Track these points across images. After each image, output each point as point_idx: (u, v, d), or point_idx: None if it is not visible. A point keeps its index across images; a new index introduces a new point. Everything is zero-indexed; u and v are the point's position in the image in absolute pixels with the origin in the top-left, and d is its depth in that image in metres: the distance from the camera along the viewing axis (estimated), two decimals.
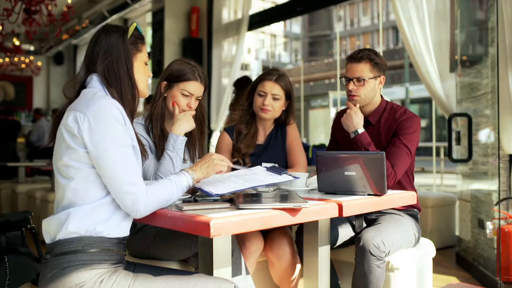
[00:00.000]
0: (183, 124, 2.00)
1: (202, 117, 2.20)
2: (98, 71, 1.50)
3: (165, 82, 2.09)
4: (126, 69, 1.51)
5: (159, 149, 2.03)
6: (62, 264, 1.37)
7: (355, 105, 2.27)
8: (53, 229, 1.41)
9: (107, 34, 1.52)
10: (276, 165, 2.25)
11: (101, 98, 1.42)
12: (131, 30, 1.55)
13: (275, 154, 2.46)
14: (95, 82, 1.50)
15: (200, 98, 2.10)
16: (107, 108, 1.39)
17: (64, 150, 1.41)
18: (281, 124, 2.51)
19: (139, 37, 1.58)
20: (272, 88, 2.37)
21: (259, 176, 1.77)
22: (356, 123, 2.22)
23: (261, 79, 2.42)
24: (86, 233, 1.39)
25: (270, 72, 2.42)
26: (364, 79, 2.23)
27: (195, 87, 2.05)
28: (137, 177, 1.41)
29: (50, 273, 1.37)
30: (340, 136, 2.42)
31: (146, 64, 1.61)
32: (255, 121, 2.48)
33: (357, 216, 2.26)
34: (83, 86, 1.52)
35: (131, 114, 1.52)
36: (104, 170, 1.38)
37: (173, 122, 2.02)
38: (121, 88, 1.50)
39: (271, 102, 2.37)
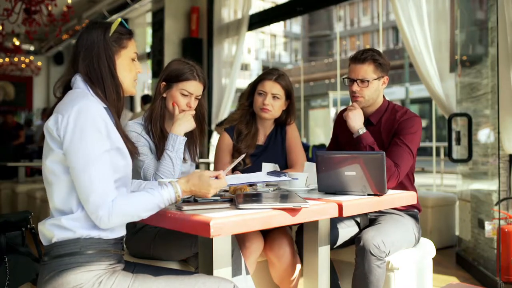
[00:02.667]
0: (183, 124, 2.00)
1: (202, 116, 2.20)
2: (80, 70, 1.47)
3: (164, 83, 2.08)
4: (107, 67, 1.48)
5: (160, 150, 2.03)
6: (59, 266, 1.36)
7: (354, 106, 2.27)
8: (48, 231, 1.40)
9: (89, 31, 1.49)
10: (277, 165, 2.25)
11: (81, 99, 1.39)
12: (114, 26, 1.50)
13: (275, 154, 2.46)
14: (79, 82, 1.47)
15: (199, 97, 2.10)
16: (86, 110, 1.36)
17: (47, 152, 1.40)
18: (281, 124, 2.51)
19: (123, 33, 1.53)
20: (272, 88, 2.36)
21: (259, 177, 1.79)
22: (358, 123, 2.22)
23: (261, 78, 2.42)
24: (82, 236, 1.38)
25: (270, 72, 2.42)
26: (368, 80, 2.23)
27: (194, 87, 2.05)
28: (103, 186, 1.34)
29: (48, 275, 1.37)
30: (343, 135, 2.42)
31: (133, 60, 1.56)
32: (255, 121, 2.48)
33: (361, 214, 2.26)
34: (68, 86, 1.50)
35: (117, 113, 1.49)
36: (72, 174, 1.35)
37: (173, 122, 2.02)
38: (104, 87, 1.47)
39: (271, 102, 2.37)
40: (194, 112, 2.07)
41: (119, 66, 1.51)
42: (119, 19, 1.54)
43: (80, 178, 1.33)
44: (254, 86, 2.44)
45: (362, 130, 2.20)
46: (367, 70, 2.22)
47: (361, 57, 2.24)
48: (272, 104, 2.37)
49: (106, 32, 1.49)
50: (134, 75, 1.57)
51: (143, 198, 1.39)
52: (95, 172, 1.33)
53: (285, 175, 1.82)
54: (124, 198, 1.36)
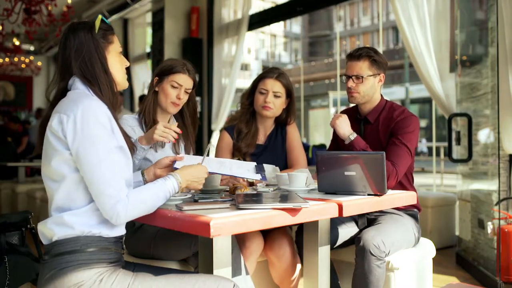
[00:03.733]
0: (150, 131, 1.89)
1: (193, 110, 2.25)
2: (75, 72, 1.47)
3: (156, 78, 2.16)
4: (100, 65, 1.49)
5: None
6: (60, 264, 1.37)
7: (345, 108, 2.29)
8: (49, 230, 1.40)
9: (75, 33, 1.49)
10: (277, 168, 2.26)
11: (85, 99, 1.40)
12: (97, 24, 1.51)
13: (275, 154, 2.47)
14: (77, 84, 1.48)
15: (189, 91, 2.15)
16: (91, 109, 1.37)
17: (51, 154, 1.40)
18: (281, 124, 2.52)
19: (107, 29, 1.54)
20: (273, 86, 2.39)
21: (239, 169, 1.86)
22: (347, 130, 2.23)
23: (262, 77, 2.44)
24: (83, 233, 1.38)
25: (271, 70, 2.45)
26: (362, 76, 2.24)
27: (183, 79, 2.11)
28: (117, 180, 1.37)
29: (49, 273, 1.37)
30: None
31: (120, 53, 1.58)
32: (256, 121, 2.49)
33: (360, 214, 2.26)
34: (65, 89, 1.50)
35: (114, 108, 1.50)
36: (84, 172, 1.36)
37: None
38: (99, 84, 1.48)
39: (273, 100, 2.39)
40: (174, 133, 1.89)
41: (110, 61, 1.53)
42: (100, 16, 1.55)
43: (94, 175, 1.35)
44: (254, 85, 2.46)
45: (352, 135, 2.22)
46: (362, 67, 2.25)
47: (356, 54, 2.27)
48: (274, 102, 2.39)
49: (92, 30, 1.50)
50: (124, 69, 1.59)
51: (152, 191, 1.44)
52: (108, 168, 1.36)
53: (263, 175, 1.86)
54: (136, 192, 1.41)
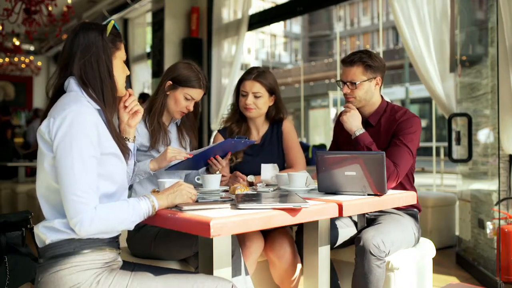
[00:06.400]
0: (161, 158, 2.01)
1: (197, 111, 2.32)
2: (75, 71, 1.46)
3: (170, 82, 2.16)
4: (106, 68, 1.48)
5: (153, 140, 2.12)
6: (54, 267, 1.36)
7: (349, 107, 2.28)
8: (43, 234, 1.40)
9: (86, 31, 1.48)
10: (276, 165, 2.26)
11: (74, 104, 1.38)
12: (109, 28, 1.51)
13: (271, 154, 2.47)
14: (72, 85, 1.46)
15: (197, 100, 2.23)
16: (77, 115, 1.35)
17: (40, 156, 1.40)
18: (276, 123, 2.52)
19: (117, 35, 1.54)
20: (252, 87, 2.40)
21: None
22: (355, 125, 2.23)
23: (241, 79, 2.47)
24: (76, 236, 1.37)
25: (249, 71, 2.46)
26: (356, 83, 2.24)
27: (197, 94, 2.18)
28: (89, 189, 1.33)
29: (44, 277, 1.37)
30: (342, 137, 2.42)
31: (124, 61, 1.57)
32: (246, 121, 2.51)
33: (359, 214, 2.26)
34: (62, 89, 1.48)
35: (111, 113, 1.49)
36: (58, 177, 1.34)
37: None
38: (103, 87, 1.46)
39: (253, 100, 2.40)
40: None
41: (115, 66, 1.52)
42: (113, 21, 1.54)
43: (65, 181, 1.32)
44: (237, 88, 2.48)
45: (359, 131, 2.21)
46: (355, 73, 2.24)
47: (348, 59, 2.27)
48: (255, 103, 2.40)
49: (103, 33, 1.49)
50: (125, 77, 1.59)
51: (122, 207, 1.38)
52: (80, 176, 1.32)
53: (246, 139, 2.05)
54: (106, 206, 1.35)
